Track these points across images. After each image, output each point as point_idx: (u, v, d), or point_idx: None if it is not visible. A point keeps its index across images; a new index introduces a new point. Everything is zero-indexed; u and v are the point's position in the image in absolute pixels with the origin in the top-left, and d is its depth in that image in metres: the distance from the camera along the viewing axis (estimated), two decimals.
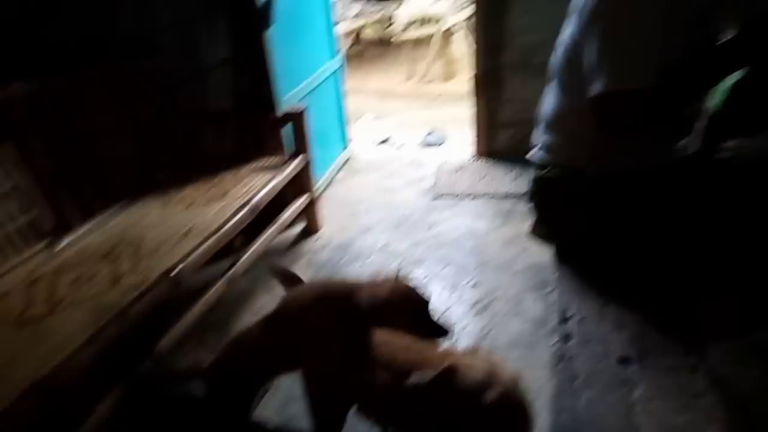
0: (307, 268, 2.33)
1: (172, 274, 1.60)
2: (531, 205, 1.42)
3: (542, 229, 1.41)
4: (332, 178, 3.05)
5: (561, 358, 1.07)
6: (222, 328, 2.07)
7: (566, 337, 1.12)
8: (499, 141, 3.03)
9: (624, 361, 1.04)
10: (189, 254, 1.69)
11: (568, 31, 1.20)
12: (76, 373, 1.29)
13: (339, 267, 2.29)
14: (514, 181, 2.72)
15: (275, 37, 2.33)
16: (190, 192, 2.15)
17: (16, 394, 1.18)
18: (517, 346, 1.73)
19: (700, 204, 1.19)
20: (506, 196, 2.64)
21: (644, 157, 1.23)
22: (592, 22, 1.08)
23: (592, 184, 1.25)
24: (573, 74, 1.18)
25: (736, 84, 1.11)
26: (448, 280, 2.10)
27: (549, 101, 1.32)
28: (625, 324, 1.13)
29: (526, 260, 2.14)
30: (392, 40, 5.78)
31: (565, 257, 1.35)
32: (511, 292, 1.98)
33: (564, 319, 1.17)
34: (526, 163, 2.79)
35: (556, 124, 1.30)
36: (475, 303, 1.94)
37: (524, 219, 2.34)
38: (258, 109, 2.44)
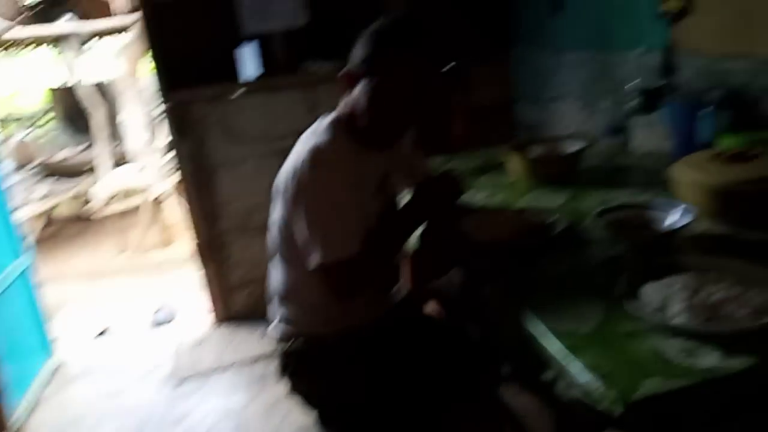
0: None
1: None
2: (283, 378, 1.41)
3: (299, 400, 1.40)
4: (38, 398, 2.46)
5: None
6: None
7: None
8: (236, 304, 2.97)
9: None
10: None
11: (277, 213, 1.30)
12: None
13: None
14: (262, 341, 2.67)
15: None
16: None
17: None
18: None
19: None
20: (257, 360, 2.56)
21: (373, 309, 1.37)
22: (295, 205, 1.20)
23: (334, 350, 1.32)
24: (292, 250, 1.27)
25: (422, 233, 1.36)
26: None
27: (277, 276, 1.38)
28: None
29: (292, 424, 2.07)
30: (92, 216, 5.34)
31: (326, 424, 1.35)
32: None
33: None
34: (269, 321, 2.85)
35: (290, 296, 1.36)
36: None
37: (278, 382, 2.30)
38: None
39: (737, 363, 0.80)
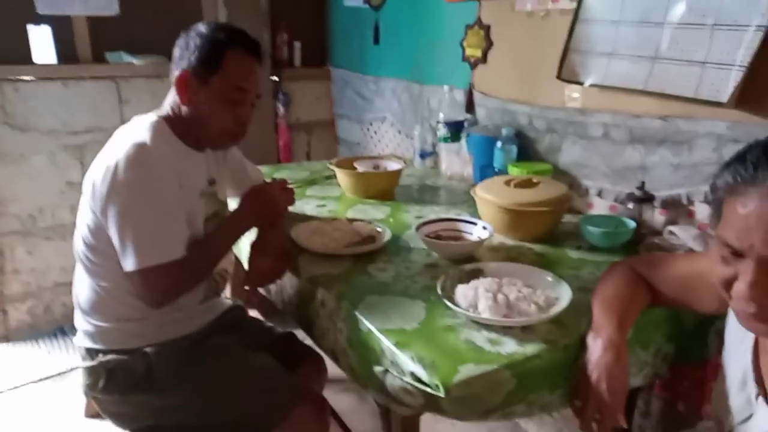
0: None
1: None
2: (91, 396, 1.27)
3: (111, 417, 1.28)
4: None
5: None
6: None
7: None
8: (15, 318, 2.53)
9: None
10: None
11: (83, 218, 1.20)
12: None
13: None
14: (47, 357, 2.33)
15: None
16: None
17: None
18: None
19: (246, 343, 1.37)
20: (40, 380, 2.22)
21: (194, 319, 1.33)
22: (105, 208, 1.12)
23: (152, 362, 1.24)
24: (98, 258, 1.18)
25: (254, 239, 1.36)
26: None
27: (82, 286, 1.25)
28: None
29: None
30: None
31: None
32: None
33: None
34: (56, 333, 2.49)
35: (97, 308, 1.24)
36: None
37: (72, 401, 2.04)
38: None
39: (530, 348, 0.98)
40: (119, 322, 1.23)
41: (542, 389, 0.99)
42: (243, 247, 1.47)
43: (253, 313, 1.64)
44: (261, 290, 1.46)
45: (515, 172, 1.71)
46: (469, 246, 1.37)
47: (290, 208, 1.51)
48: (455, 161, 2.07)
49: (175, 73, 1.23)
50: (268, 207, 1.38)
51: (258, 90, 1.30)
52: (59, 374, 2.24)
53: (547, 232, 1.48)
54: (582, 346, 0.98)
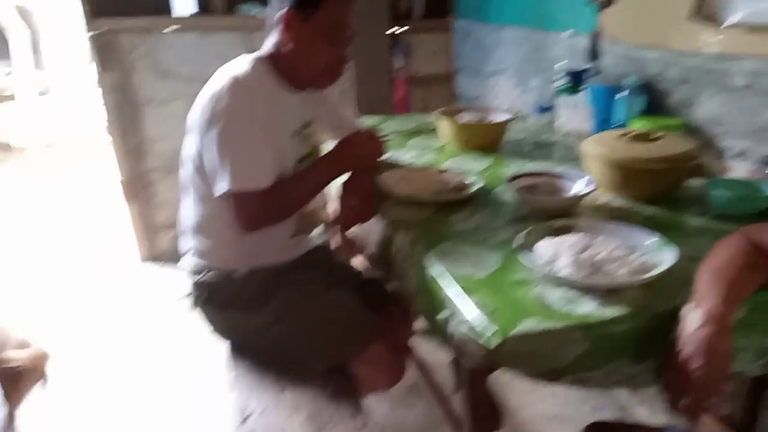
0: None
1: None
2: (196, 309, 1.41)
3: (211, 329, 1.41)
4: None
5: None
6: None
7: None
8: (160, 244, 2.90)
9: None
10: None
11: (192, 146, 1.29)
12: None
13: None
14: (184, 282, 2.63)
15: None
16: None
17: None
18: None
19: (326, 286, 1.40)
20: (178, 300, 2.52)
21: (283, 251, 1.40)
22: (208, 130, 1.19)
23: (244, 283, 1.33)
24: (204, 183, 1.27)
25: (344, 183, 1.38)
26: (121, 394, 1.89)
27: (188, 210, 1.37)
28: (300, 406, 1.21)
29: (207, 365, 2.07)
30: (12, 144, 4.98)
31: (239, 355, 1.37)
32: (193, 403, 1.89)
33: (244, 419, 1.17)
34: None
35: (199, 230, 1.35)
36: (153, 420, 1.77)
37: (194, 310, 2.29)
38: None
39: (609, 312, 0.88)
40: (219, 242, 1.34)
41: (622, 359, 0.90)
42: (335, 189, 1.50)
43: (356, 262, 1.67)
44: (352, 234, 1.49)
45: (639, 126, 1.53)
46: (564, 201, 1.26)
47: (385, 156, 1.50)
48: (573, 116, 1.90)
49: (278, 12, 1.26)
50: (359, 155, 1.39)
51: (353, 29, 1.30)
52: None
53: (662, 194, 1.31)
54: (676, 319, 0.86)
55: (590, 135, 1.76)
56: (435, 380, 1.70)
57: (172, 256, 2.84)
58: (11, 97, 4.94)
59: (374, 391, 1.39)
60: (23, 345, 1.61)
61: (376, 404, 1.19)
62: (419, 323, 1.59)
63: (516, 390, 1.82)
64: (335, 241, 1.52)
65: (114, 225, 3.20)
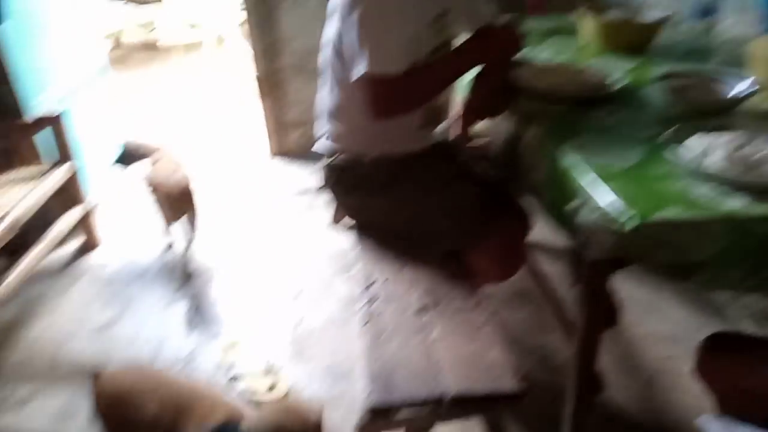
0: (91, 286, 2.08)
1: None
2: (326, 191, 1.52)
3: (339, 211, 1.52)
4: (109, 191, 2.76)
5: (369, 318, 1.18)
6: None
7: (371, 300, 1.23)
8: (289, 141, 3.10)
9: (421, 310, 1.20)
10: None
11: (331, 30, 1.32)
12: None
13: (129, 282, 2.10)
14: (311, 176, 2.82)
15: (11, 34, 2.01)
16: None
17: None
18: (332, 325, 1.84)
19: (453, 178, 1.43)
20: (305, 191, 2.72)
21: (410, 141, 1.43)
22: (350, 14, 1.21)
23: (372, 168, 1.39)
24: (343, 67, 1.31)
25: (477, 77, 1.36)
26: (259, 273, 2.11)
27: (325, 95, 1.44)
28: (419, 281, 1.29)
29: (330, 248, 2.26)
30: (159, 44, 5.42)
31: (363, 232, 1.48)
32: (321, 278, 2.08)
33: (368, 286, 1.28)
34: (319, 158, 2.96)
35: (335, 114, 1.42)
36: (288, 292, 1.99)
37: (323, 211, 2.47)
38: None
39: (760, 210, 0.82)
40: (352, 128, 1.41)
41: (764, 260, 0.84)
42: (466, 82, 1.48)
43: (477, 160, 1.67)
44: (478, 129, 1.49)
45: None
46: (721, 101, 1.15)
47: (520, 53, 1.45)
48: (740, 19, 1.68)
49: None
50: (495, 47, 1.35)
51: None
52: (317, 190, 2.71)
53: None
54: None
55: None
56: (546, 285, 1.71)
57: (300, 153, 3.04)
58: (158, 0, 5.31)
59: (487, 283, 1.44)
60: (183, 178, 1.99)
61: (484, 302, 1.24)
62: (537, 227, 1.58)
63: (631, 307, 1.79)
64: (457, 132, 1.52)
65: (249, 122, 3.44)
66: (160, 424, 1.13)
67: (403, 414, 1.17)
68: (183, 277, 2.12)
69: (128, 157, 2.14)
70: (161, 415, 1.13)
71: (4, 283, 1.71)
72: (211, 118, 3.82)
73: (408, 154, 1.43)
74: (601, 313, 1.14)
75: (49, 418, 1.55)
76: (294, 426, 1.00)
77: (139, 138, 2.22)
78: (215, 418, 1.09)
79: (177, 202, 2.02)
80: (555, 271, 1.91)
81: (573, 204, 0.97)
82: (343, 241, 2.30)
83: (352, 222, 1.54)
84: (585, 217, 0.93)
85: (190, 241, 2.17)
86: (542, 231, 1.58)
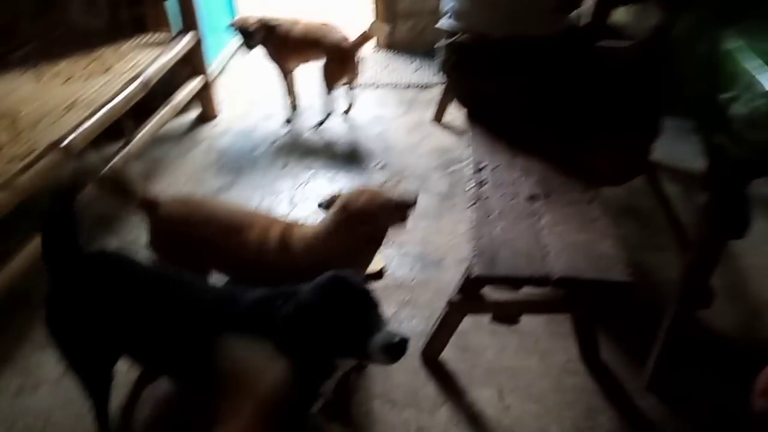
0: (207, 154, 2.23)
1: (63, 144, 1.46)
2: (443, 71, 1.48)
3: (454, 93, 1.49)
4: (226, 65, 2.86)
5: (478, 198, 1.18)
6: (121, 212, 1.95)
7: (481, 183, 1.22)
8: (399, 32, 3.02)
9: (532, 198, 1.18)
10: (78, 126, 1.54)
11: None
12: None
13: (242, 153, 2.23)
14: (416, 72, 2.76)
15: None
16: (66, 67, 1.92)
17: None
18: (426, 217, 1.86)
19: (585, 65, 1.34)
20: (408, 86, 2.68)
21: (541, 24, 1.35)
22: None
23: (497, 48, 1.33)
24: None
25: None
26: (359, 163, 2.16)
27: None
28: (532, 171, 1.26)
29: (430, 144, 2.25)
30: None
31: (477, 117, 1.45)
32: (418, 172, 2.09)
33: (478, 169, 1.27)
34: (426, 55, 2.89)
35: None
36: (385, 183, 2.02)
37: (426, 107, 2.43)
38: None
39: None
40: (478, 3, 1.35)
41: None
42: None
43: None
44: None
45: None
46: None
47: None
48: None
49: None
50: None
51: None
52: (420, 86, 2.65)
53: None
54: None
55: None
56: (663, 199, 1.61)
57: (407, 46, 2.96)
58: None
59: (603, 183, 1.38)
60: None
61: (598, 199, 1.19)
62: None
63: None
64: (591, 20, 1.41)
65: (360, 12, 3.36)
66: (216, 248, 1.17)
67: (495, 296, 1.19)
68: (303, 150, 2.22)
69: (247, 35, 2.18)
70: (217, 239, 1.16)
71: (133, 142, 1.87)
72: (319, 4, 3.77)
73: (537, 37, 1.34)
74: (731, 221, 1.07)
75: None
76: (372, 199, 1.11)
77: (249, 16, 2.24)
78: (273, 235, 1.15)
79: (343, 63, 2.12)
80: (673, 192, 1.80)
81: (727, 94, 0.89)
82: (444, 138, 2.28)
83: (459, 115, 1.51)
84: (740, 108, 0.85)
85: (350, 105, 2.36)
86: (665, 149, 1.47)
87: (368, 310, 0.86)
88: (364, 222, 1.10)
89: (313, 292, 0.86)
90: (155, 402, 1.27)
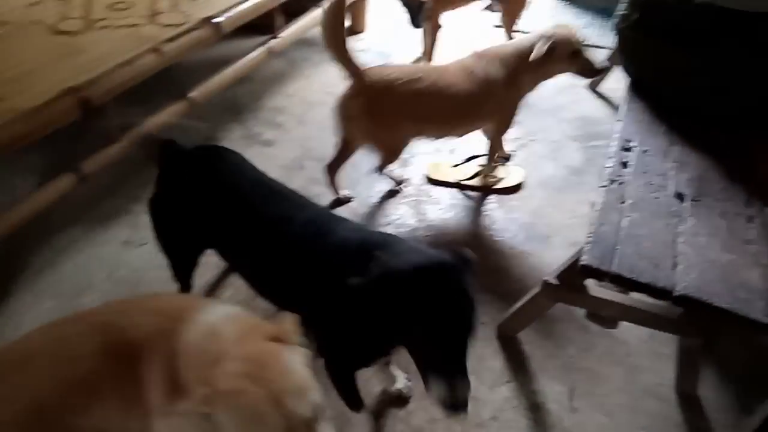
0: None
1: (215, 20, 1.50)
2: (617, 30, 1.28)
3: (623, 57, 1.30)
4: None
5: (614, 180, 1.03)
6: (252, 103, 2.02)
7: (624, 164, 1.07)
8: None
9: (679, 196, 1.00)
10: (231, 7, 1.57)
11: None
12: (110, 91, 1.25)
13: None
14: (583, 29, 2.50)
15: None
16: None
17: (53, 95, 1.16)
18: (547, 188, 1.71)
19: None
20: None
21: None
22: None
23: (687, 15, 1.12)
24: None
25: None
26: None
27: None
28: (687, 165, 1.07)
29: (576, 110, 2.04)
30: None
31: (640, 90, 1.25)
32: (553, 138, 1.92)
33: (625, 149, 1.10)
34: (600, 12, 2.60)
35: None
36: (514, 140, 1.88)
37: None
38: None
39: None
40: None
41: None
42: None
43: None
44: None
45: None
46: None
47: None
48: None
49: None
50: None
51: None
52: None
53: None
54: None
55: None
56: None
57: None
58: None
59: None
60: None
61: (760, 216, 0.99)
62: None
63: None
64: None
65: None
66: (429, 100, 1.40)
67: (598, 292, 1.06)
68: None
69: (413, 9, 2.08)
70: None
71: (282, 34, 1.89)
72: None
73: (741, 11, 1.10)
74: None
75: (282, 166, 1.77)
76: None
77: None
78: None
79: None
80: None
81: None
82: (594, 107, 2.06)
83: (620, 86, 1.32)
84: None
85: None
86: None
87: (457, 330, 0.72)
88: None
89: (413, 269, 0.74)
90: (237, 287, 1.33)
